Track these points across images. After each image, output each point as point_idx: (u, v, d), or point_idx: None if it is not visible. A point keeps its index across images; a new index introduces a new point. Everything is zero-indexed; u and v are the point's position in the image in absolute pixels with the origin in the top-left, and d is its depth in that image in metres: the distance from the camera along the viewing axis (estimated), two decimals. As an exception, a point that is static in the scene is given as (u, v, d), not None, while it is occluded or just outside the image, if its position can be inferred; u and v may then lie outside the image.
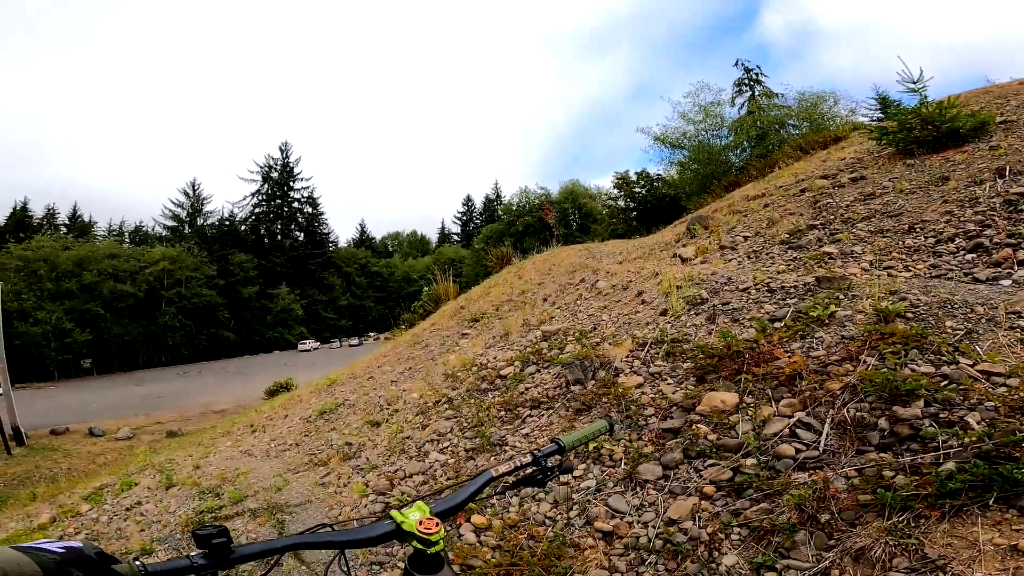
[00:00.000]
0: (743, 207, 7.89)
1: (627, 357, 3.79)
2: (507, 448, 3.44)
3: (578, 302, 5.70)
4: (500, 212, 62.14)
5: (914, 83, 6.94)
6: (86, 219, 61.12)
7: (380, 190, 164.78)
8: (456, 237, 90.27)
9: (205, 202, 63.32)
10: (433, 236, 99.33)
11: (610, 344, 4.12)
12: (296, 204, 68.18)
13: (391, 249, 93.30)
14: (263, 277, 60.01)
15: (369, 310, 70.10)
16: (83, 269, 44.00)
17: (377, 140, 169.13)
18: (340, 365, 10.46)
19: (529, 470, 1.16)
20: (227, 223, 63.70)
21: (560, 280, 7.10)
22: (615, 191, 25.08)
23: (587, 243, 12.11)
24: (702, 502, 2.44)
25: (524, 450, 3.39)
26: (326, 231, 71.53)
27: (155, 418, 23.92)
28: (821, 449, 2.56)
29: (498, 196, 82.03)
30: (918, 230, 5.00)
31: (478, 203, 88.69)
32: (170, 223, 61.85)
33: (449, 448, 3.75)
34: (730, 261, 5.87)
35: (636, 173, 23.56)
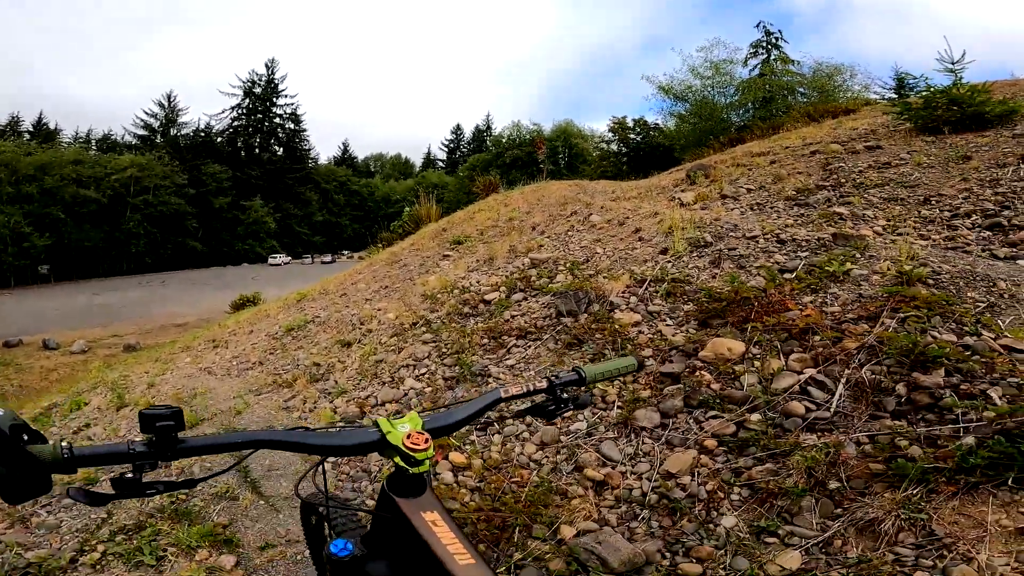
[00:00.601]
0: (747, 162, 7.55)
1: (623, 292, 3.50)
2: (489, 379, 3.16)
3: (570, 233, 5.35)
4: (489, 143, 60.53)
5: (953, 64, 6.61)
6: (53, 126, 58.52)
7: (367, 111, 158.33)
8: (441, 163, 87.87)
9: (181, 113, 60.83)
10: (418, 161, 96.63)
11: (605, 278, 3.82)
12: (278, 120, 65.77)
13: (373, 170, 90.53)
14: (237, 189, 57.90)
15: (345, 228, 68.84)
16: (45, 174, 42.22)
17: (369, 60, 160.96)
18: (311, 281, 10.01)
19: (540, 398, 1.02)
20: (203, 134, 61.25)
21: (550, 211, 6.70)
22: (610, 135, 24.47)
23: (577, 179, 11.66)
24: (702, 456, 2.23)
25: (510, 381, 3.11)
26: (307, 147, 69.45)
27: (113, 330, 23.05)
28: (833, 410, 2.36)
29: (489, 128, 79.66)
30: (934, 202, 4.77)
31: (467, 132, 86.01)
32: (141, 132, 59.49)
33: (426, 375, 3.45)
34: (732, 211, 5.57)
35: (633, 120, 22.96)
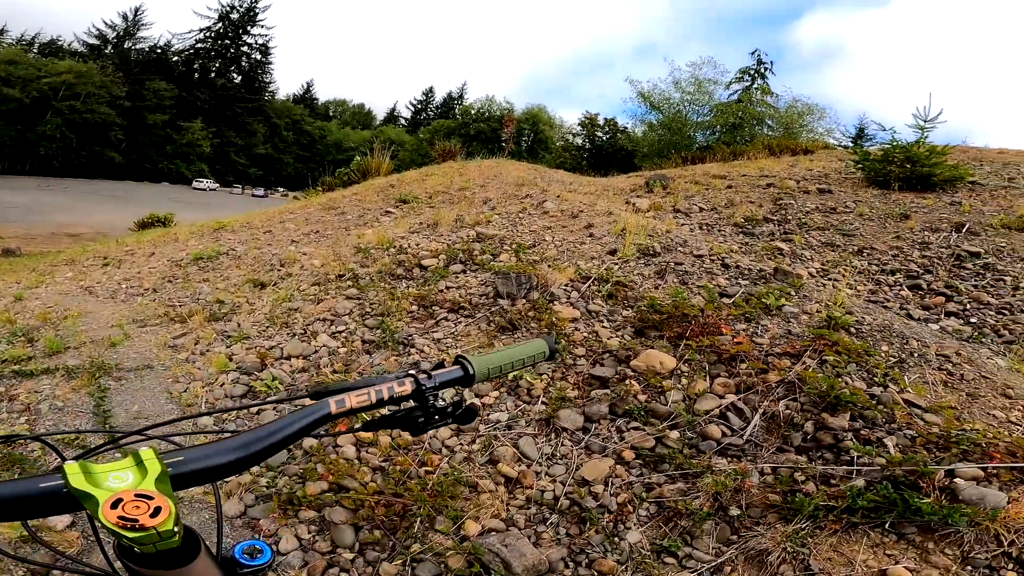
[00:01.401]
0: (705, 182, 7.74)
1: (566, 285, 3.42)
2: (412, 350, 2.98)
3: (521, 215, 5.22)
4: (458, 112, 59.03)
5: (926, 121, 6.91)
6: None
7: (341, 54, 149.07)
8: (404, 121, 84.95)
9: (143, 28, 56.34)
10: (381, 114, 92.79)
11: (550, 267, 3.72)
12: (245, 48, 61.61)
13: (332, 114, 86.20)
14: (179, 109, 54.09)
15: (287, 165, 65.46)
16: None
17: (354, 1, 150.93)
18: (236, 212, 9.30)
19: (400, 406, 0.72)
20: (158, 51, 56.80)
21: (505, 189, 6.54)
22: (578, 128, 24.50)
23: (535, 164, 11.56)
24: (618, 467, 2.19)
25: (408, 365, 2.91)
26: (268, 80, 65.54)
27: None
28: (746, 438, 2.40)
29: (462, 96, 77.86)
30: (866, 254, 5.05)
31: (439, 96, 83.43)
32: (93, 41, 54.91)
33: (344, 333, 3.21)
34: (683, 226, 5.67)
35: (605, 119, 23.13)
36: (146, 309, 4.12)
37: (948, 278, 4.50)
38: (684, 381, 2.65)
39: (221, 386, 2.91)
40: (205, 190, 47.55)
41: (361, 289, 3.68)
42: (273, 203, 30.59)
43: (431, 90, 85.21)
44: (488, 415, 2.52)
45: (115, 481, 0.48)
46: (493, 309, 3.24)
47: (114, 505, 0.44)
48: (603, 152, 21.86)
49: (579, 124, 24.19)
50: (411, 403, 0.72)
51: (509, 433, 2.40)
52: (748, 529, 2.05)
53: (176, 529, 0.46)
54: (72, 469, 0.47)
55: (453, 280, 3.67)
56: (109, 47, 54.99)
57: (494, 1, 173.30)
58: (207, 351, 3.30)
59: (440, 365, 0.76)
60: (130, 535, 0.43)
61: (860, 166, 7.07)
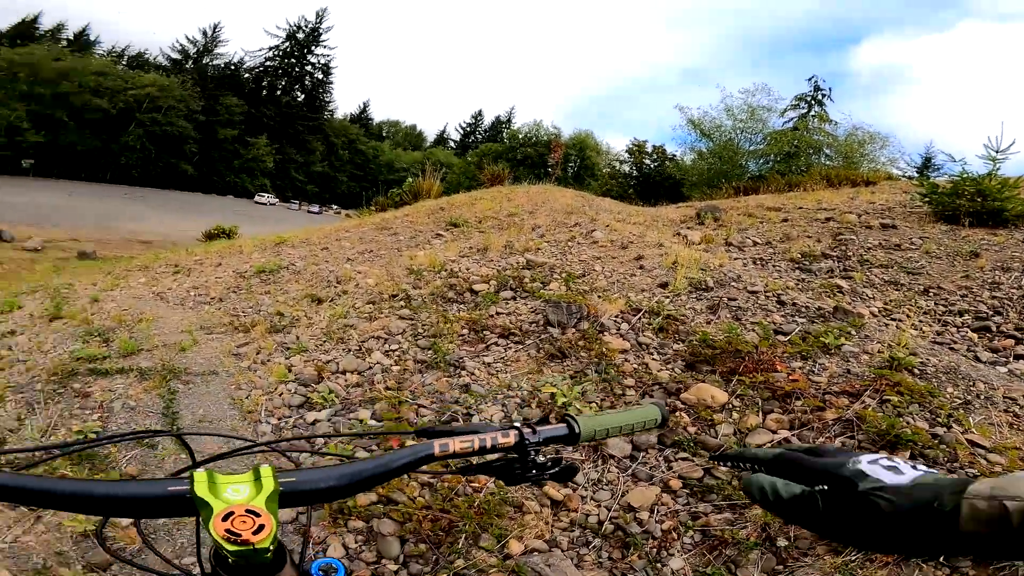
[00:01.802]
0: (759, 214, 7.61)
1: (617, 317, 3.45)
2: (463, 372, 3.07)
3: (570, 244, 5.29)
4: (505, 136, 60.30)
5: (997, 152, 6.56)
6: (93, 38, 58.34)
7: (394, 75, 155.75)
8: (453, 144, 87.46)
9: (220, 44, 60.86)
10: (431, 136, 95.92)
11: (600, 297, 3.76)
12: (309, 68, 65.50)
13: (385, 135, 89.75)
14: (247, 124, 57.72)
15: (341, 183, 68.51)
16: (64, 79, 42.86)
17: (412, 26, 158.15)
18: (293, 227, 9.77)
19: (499, 456, 0.71)
20: (232, 68, 61.28)
21: (554, 216, 6.65)
22: (625, 155, 24.54)
23: (582, 191, 11.66)
24: (665, 495, 2.20)
25: (489, 406, 2.93)
26: (328, 100, 69.29)
27: (74, 233, 22.05)
28: (800, 477, 2.36)
29: (509, 120, 79.70)
30: (933, 294, 4.85)
31: (487, 120, 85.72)
32: (175, 56, 59.63)
33: (397, 352, 3.32)
34: (736, 260, 5.59)
35: (653, 146, 23.09)
36: (212, 317, 4.36)
37: (1019, 320, 4.28)
38: (735, 415, 2.63)
39: (280, 396, 3.04)
40: (266, 204, 50.19)
41: (414, 310, 3.82)
42: (327, 220, 31.85)
43: (480, 113, 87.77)
44: None
45: (232, 493, 0.52)
46: (543, 336, 3.31)
47: (225, 518, 0.48)
48: (651, 180, 21.78)
49: (626, 151, 24.27)
50: (506, 455, 0.71)
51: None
52: (796, 560, 2.02)
53: (271, 547, 0.49)
54: (200, 477, 0.52)
55: (503, 306, 3.76)
56: (189, 62, 58.93)
57: (544, 27, 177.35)
58: (267, 361, 3.45)
59: (545, 420, 0.76)
60: (231, 548, 0.47)
61: (927, 199, 6.75)
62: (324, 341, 3.60)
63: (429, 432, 0.69)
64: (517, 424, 0.71)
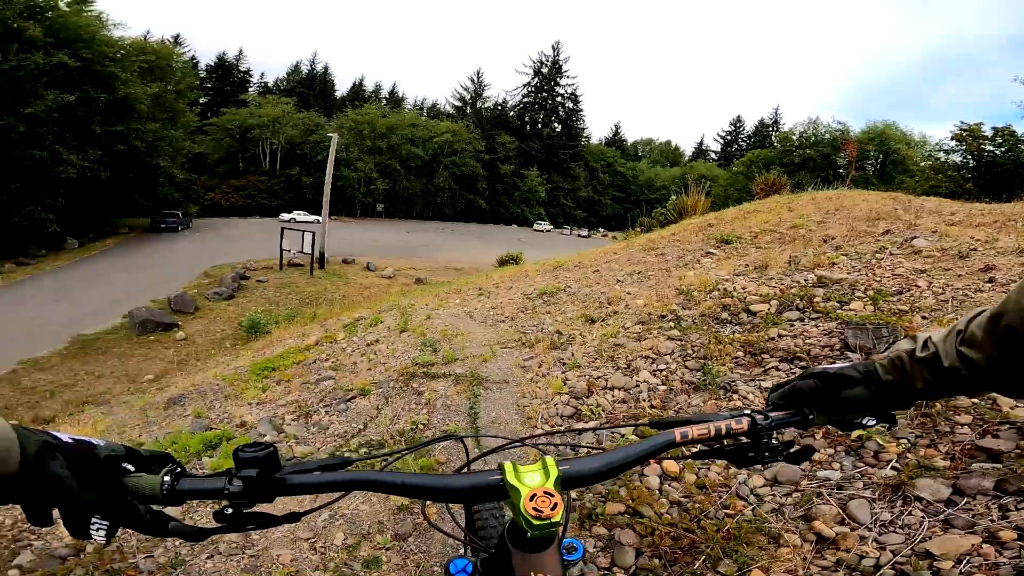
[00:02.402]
0: None
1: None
2: (735, 397, 2.79)
3: (879, 255, 4.33)
4: (775, 139, 53.70)
5: None
6: (400, 94, 74.10)
7: (643, 95, 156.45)
8: (713, 155, 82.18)
9: (485, 88, 69.79)
10: (688, 149, 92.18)
11: (925, 318, 2.95)
12: (559, 98, 69.87)
13: (640, 154, 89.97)
14: (520, 158, 64.65)
15: (605, 207, 70.85)
16: (391, 133, 53.57)
17: (651, 43, 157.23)
18: (567, 251, 10.50)
19: (733, 441, 0.75)
20: (499, 108, 69.03)
21: (853, 225, 5.56)
22: (952, 143, 19.04)
23: (894, 192, 9.45)
24: (985, 546, 1.60)
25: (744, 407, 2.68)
26: (582, 127, 72.27)
27: (412, 263, 28.50)
28: None
29: (776, 122, 70.92)
30: None
31: (749, 125, 77.93)
32: (456, 103, 70.27)
33: (664, 372, 3.24)
34: None
35: (993, 128, 17.38)
36: (506, 334, 4.96)
37: None
38: None
39: (555, 406, 3.26)
40: (543, 231, 55.49)
41: (683, 330, 3.66)
42: (595, 243, 33.45)
43: (739, 119, 79.81)
44: (815, 471, 2.17)
45: (529, 479, 0.61)
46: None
47: (531, 499, 0.58)
48: (997, 170, 16.39)
49: (952, 138, 18.79)
50: (740, 440, 0.74)
51: (838, 493, 2.02)
52: None
53: (560, 522, 0.58)
54: (508, 468, 0.62)
55: (787, 328, 3.29)
56: (467, 108, 68.10)
57: (798, 17, 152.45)
58: (547, 374, 3.75)
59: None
60: (536, 523, 0.56)
61: None
62: (595, 358, 3.73)
63: (661, 423, 0.73)
64: (748, 412, 0.73)
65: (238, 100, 54.78)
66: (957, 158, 18.90)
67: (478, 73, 72.46)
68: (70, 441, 0.55)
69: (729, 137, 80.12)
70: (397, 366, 4.47)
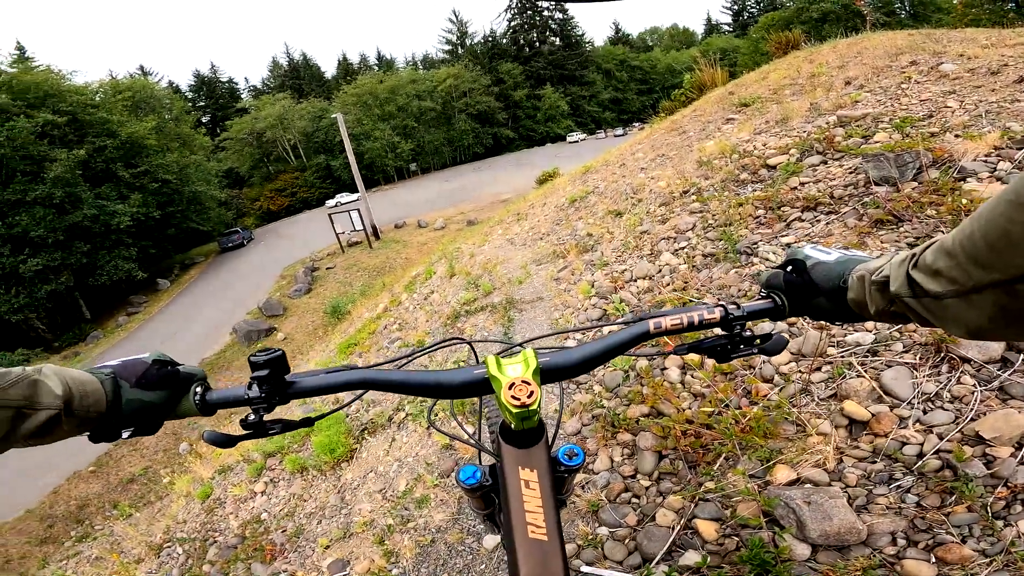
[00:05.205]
0: None
1: (987, 156, 2.29)
2: (755, 259, 2.57)
3: (904, 86, 3.76)
4: (785, -1, 46.37)
5: None
6: (388, 57, 69.56)
7: None
8: (727, 28, 72.83)
9: (467, 24, 65.61)
10: (699, 29, 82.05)
11: (957, 136, 2.56)
12: (546, 12, 63.85)
13: (650, 44, 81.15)
14: (531, 81, 60.68)
15: (631, 102, 65.70)
16: (395, 95, 50.65)
17: None
18: (601, 154, 9.93)
19: (707, 333, 0.69)
20: (491, 39, 64.09)
21: (874, 63, 4.82)
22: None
23: (921, 29, 8.04)
24: None
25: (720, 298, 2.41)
26: (580, 33, 66.03)
27: (459, 208, 27.75)
28: None
29: (786, -22, 60.77)
30: None
31: (755, -13, 67.64)
32: (446, 48, 65.50)
33: (685, 250, 3.00)
34: None
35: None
36: (542, 250, 4.71)
37: None
38: None
39: (585, 311, 3.02)
40: (578, 141, 52.33)
41: (703, 202, 3.40)
42: (631, 138, 30.43)
43: None
44: (844, 336, 1.81)
45: (511, 371, 0.61)
46: (865, 200, 2.47)
47: (510, 387, 0.58)
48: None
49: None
50: (711, 333, 0.70)
51: (872, 360, 1.68)
52: None
53: (538, 410, 0.58)
54: (491, 361, 0.63)
55: (808, 174, 2.97)
56: (459, 48, 63.45)
57: None
58: (579, 280, 3.47)
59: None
60: (514, 410, 0.57)
61: None
62: (622, 252, 3.51)
63: (645, 316, 0.71)
64: (723, 303, 0.70)
65: (237, 109, 53.59)
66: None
67: (455, 12, 65.76)
68: (117, 363, 0.61)
69: (736, 6, 70.37)
70: (447, 311, 4.34)
